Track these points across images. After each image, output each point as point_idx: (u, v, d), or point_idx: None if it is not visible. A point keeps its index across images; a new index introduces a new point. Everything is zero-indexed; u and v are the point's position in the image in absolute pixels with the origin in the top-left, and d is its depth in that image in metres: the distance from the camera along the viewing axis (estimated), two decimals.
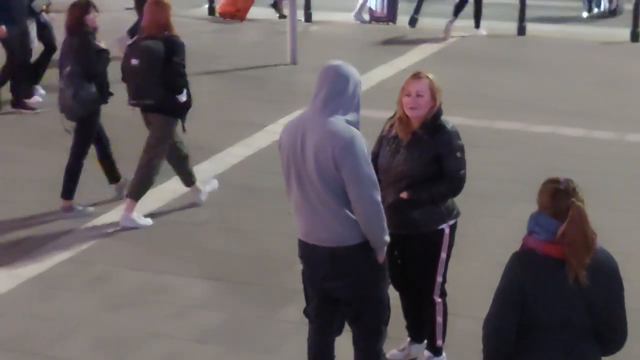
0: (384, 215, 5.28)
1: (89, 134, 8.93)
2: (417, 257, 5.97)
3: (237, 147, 10.73)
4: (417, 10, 17.78)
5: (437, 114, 5.87)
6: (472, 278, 6.37)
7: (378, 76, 13.54)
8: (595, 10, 19.05)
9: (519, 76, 14.00)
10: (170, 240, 8.39)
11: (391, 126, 5.97)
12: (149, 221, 8.66)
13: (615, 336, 4.45)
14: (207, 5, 18.53)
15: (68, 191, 8.90)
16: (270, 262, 7.91)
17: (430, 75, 5.88)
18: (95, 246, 8.22)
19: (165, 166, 8.89)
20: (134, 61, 8.46)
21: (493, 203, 8.57)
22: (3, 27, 11.56)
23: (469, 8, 16.62)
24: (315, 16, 18.01)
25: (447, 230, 5.93)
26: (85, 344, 6.70)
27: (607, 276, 4.37)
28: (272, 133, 11.20)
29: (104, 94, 8.79)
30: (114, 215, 8.81)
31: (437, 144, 5.81)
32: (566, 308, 4.32)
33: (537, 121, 11.74)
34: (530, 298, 4.32)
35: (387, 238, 5.33)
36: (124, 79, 8.69)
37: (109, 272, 7.72)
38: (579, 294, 4.30)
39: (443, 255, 5.95)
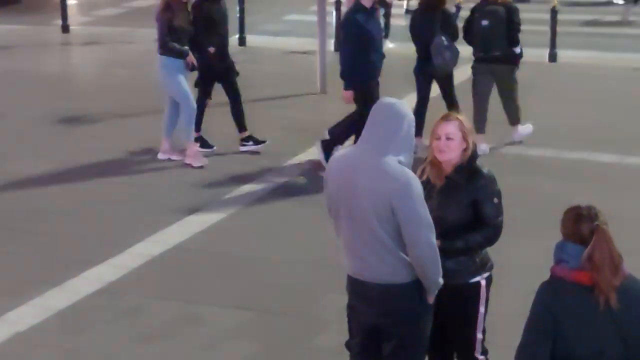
0: (439, 257, 5.18)
1: (453, 84, 11.66)
2: (454, 313, 5.68)
3: (267, 175, 10.73)
4: None
5: (472, 157, 5.59)
6: (502, 307, 6.30)
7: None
8: None
9: (550, 103, 13.92)
10: (200, 269, 8.38)
11: (423, 170, 5.66)
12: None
13: None
14: (237, 36, 18.48)
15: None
16: (301, 291, 7.88)
17: (461, 116, 5.59)
18: (125, 277, 8.21)
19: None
20: (484, 22, 11.07)
21: (524, 231, 8.49)
22: (351, 91, 10.64)
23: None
24: None
25: (483, 283, 5.68)
26: None
27: (638, 302, 4.33)
28: (302, 163, 11.21)
29: None
30: (145, 246, 8.83)
31: (473, 189, 5.50)
32: (599, 337, 4.28)
33: (569, 147, 11.67)
34: (562, 327, 4.28)
35: (442, 280, 5.24)
36: (466, 36, 11.36)
37: (140, 303, 7.72)
38: (611, 321, 4.26)
39: (482, 309, 5.71)
